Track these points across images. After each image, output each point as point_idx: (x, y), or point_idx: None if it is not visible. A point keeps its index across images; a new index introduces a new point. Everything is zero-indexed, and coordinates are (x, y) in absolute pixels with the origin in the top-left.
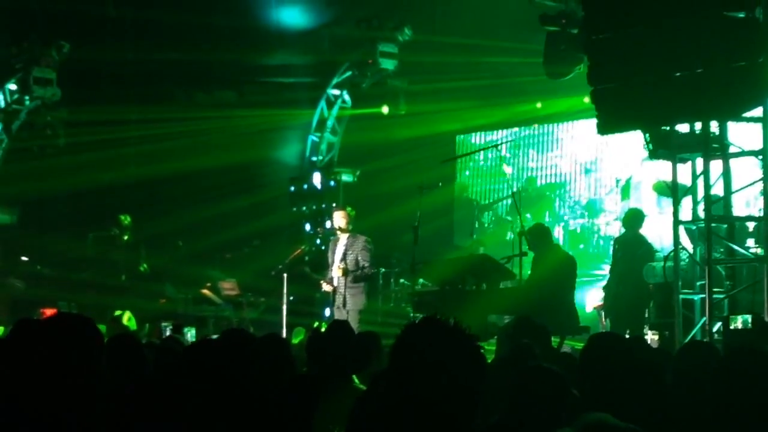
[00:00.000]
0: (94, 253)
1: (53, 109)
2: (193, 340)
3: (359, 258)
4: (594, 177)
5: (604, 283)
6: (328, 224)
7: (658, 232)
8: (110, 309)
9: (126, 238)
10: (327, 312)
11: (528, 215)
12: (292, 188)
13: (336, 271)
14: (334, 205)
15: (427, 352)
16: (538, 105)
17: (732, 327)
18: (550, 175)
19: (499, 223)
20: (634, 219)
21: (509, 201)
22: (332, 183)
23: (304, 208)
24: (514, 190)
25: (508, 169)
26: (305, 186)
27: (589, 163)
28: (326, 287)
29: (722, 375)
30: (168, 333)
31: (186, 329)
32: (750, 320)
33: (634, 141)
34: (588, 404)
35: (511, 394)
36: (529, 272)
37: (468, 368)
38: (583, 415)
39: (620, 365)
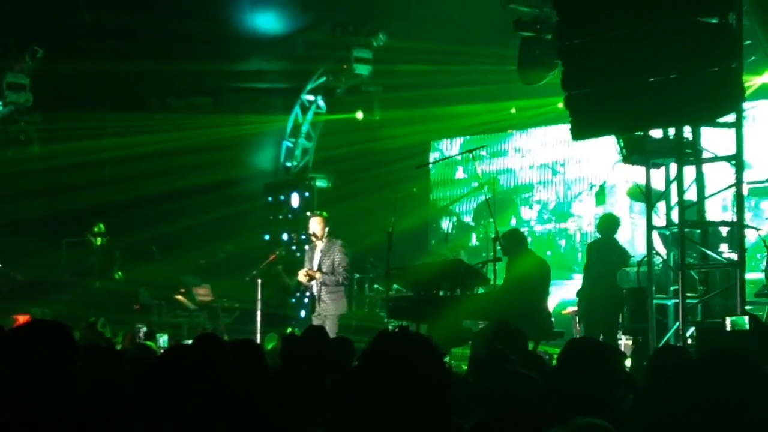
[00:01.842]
0: (68, 259)
1: (27, 115)
2: (166, 345)
3: (336, 262)
4: (562, 181)
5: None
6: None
7: (631, 237)
8: (84, 315)
9: (100, 244)
10: (303, 315)
11: (491, 219)
12: (267, 194)
13: (311, 279)
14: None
15: (392, 355)
16: (513, 110)
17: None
18: (516, 176)
19: (462, 229)
20: (609, 224)
21: (473, 207)
22: (306, 189)
23: (279, 215)
24: (487, 196)
25: (470, 171)
26: (279, 191)
27: (557, 166)
28: (302, 277)
29: (696, 377)
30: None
31: (158, 335)
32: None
33: (603, 145)
34: (563, 406)
35: (488, 398)
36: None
37: (433, 370)
38: (574, 418)
39: (599, 369)
